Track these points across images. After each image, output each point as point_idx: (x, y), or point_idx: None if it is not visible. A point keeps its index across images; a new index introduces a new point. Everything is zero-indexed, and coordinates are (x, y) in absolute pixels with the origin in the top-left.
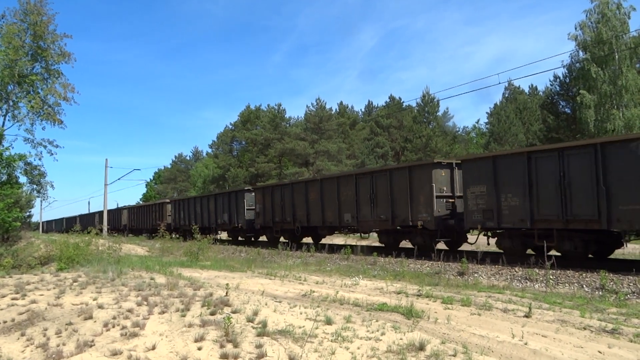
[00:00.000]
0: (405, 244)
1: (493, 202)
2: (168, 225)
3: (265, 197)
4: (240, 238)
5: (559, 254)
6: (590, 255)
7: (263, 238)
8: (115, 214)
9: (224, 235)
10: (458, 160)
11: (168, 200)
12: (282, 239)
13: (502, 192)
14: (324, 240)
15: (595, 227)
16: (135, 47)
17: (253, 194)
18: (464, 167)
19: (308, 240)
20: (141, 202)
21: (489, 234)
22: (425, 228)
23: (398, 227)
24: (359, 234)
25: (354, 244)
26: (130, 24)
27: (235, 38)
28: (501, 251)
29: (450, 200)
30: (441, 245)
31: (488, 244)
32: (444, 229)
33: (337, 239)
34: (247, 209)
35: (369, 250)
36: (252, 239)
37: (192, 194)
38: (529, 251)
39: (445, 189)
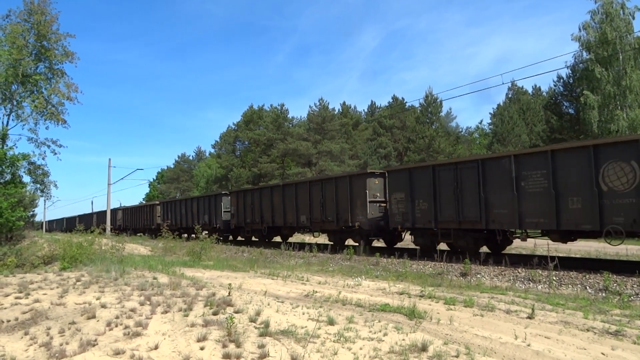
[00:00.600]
0: (350, 241)
1: (409, 207)
2: (158, 225)
3: (239, 200)
4: (218, 237)
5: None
6: (482, 250)
7: (240, 237)
8: (113, 214)
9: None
10: (388, 170)
11: (158, 202)
12: (253, 238)
13: (415, 198)
14: (290, 239)
15: (478, 227)
16: (137, 47)
17: (229, 197)
18: (389, 177)
19: (274, 238)
20: (144, 202)
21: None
22: (361, 228)
23: (343, 228)
24: (312, 233)
25: (312, 242)
26: (132, 24)
27: (237, 38)
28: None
29: (383, 204)
30: (379, 243)
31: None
32: (376, 229)
33: (297, 237)
34: (224, 211)
35: (324, 247)
36: (230, 237)
37: (195, 194)
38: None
39: (378, 195)
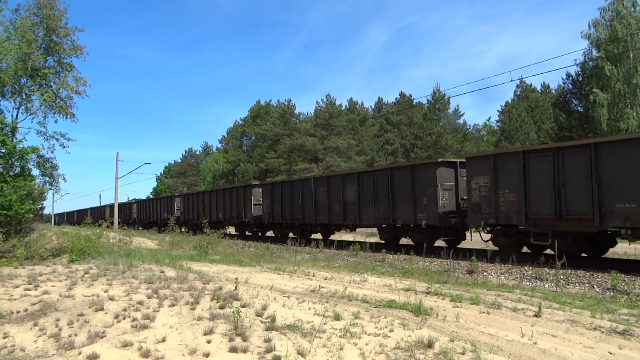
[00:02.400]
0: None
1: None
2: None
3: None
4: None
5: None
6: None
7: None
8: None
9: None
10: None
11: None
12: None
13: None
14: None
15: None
16: (145, 42)
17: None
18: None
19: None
20: (152, 196)
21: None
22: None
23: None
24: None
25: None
26: (140, 19)
27: (245, 34)
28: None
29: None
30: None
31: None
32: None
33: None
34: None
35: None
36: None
37: (201, 188)
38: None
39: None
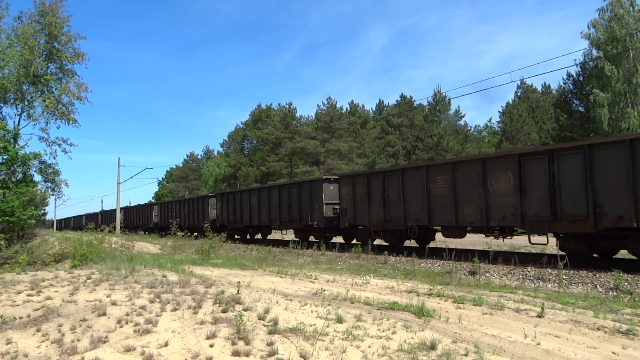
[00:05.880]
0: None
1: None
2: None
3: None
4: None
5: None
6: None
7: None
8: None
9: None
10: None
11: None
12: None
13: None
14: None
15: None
16: (146, 46)
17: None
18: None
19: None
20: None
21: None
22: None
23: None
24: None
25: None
26: (141, 23)
27: (246, 36)
28: None
29: (337, 206)
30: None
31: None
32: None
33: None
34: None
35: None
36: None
37: (203, 192)
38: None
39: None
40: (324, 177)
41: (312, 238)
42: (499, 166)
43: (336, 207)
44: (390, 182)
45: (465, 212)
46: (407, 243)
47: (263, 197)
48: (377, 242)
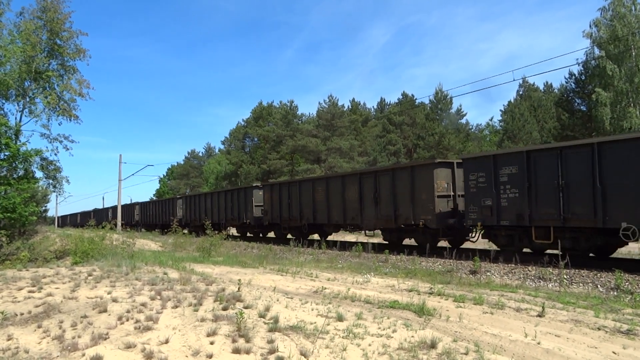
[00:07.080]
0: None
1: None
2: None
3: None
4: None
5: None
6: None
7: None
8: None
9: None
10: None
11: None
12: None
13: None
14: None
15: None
16: (147, 43)
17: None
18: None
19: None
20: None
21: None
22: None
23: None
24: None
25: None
26: (143, 21)
27: (247, 34)
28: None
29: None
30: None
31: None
32: None
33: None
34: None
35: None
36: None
37: (204, 190)
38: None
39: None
40: (254, 185)
41: (248, 233)
42: (349, 181)
43: (263, 208)
44: (292, 190)
45: (333, 214)
46: (407, 242)
47: (214, 200)
48: (378, 240)
